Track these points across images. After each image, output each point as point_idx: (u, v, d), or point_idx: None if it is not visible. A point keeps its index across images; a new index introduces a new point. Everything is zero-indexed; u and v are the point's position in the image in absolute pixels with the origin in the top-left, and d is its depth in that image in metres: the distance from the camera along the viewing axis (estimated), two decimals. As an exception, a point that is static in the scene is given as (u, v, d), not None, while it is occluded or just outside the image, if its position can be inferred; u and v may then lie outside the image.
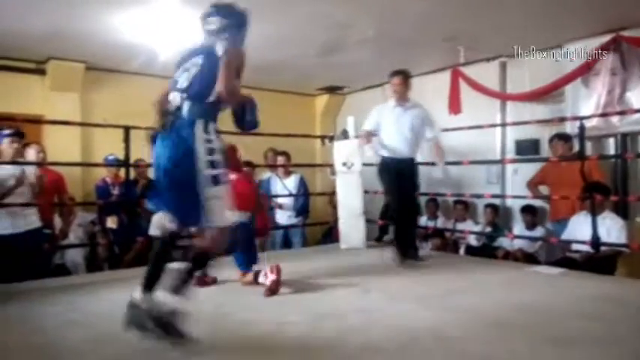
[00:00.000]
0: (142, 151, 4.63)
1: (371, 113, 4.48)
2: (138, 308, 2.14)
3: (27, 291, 3.20)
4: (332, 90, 8.17)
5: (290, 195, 5.53)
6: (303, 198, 5.70)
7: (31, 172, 3.91)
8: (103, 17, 4.62)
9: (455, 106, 6.30)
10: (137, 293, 2.17)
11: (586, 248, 4.10)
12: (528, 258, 4.89)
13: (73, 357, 2.11)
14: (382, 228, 6.38)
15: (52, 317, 2.62)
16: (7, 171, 3.75)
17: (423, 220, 6.25)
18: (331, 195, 6.11)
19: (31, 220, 3.86)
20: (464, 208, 5.99)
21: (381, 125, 4.35)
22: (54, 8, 4.39)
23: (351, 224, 4.88)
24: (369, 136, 4.37)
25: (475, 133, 5.49)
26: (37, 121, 5.70)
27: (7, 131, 3.87)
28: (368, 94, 7.99)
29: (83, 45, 5.44)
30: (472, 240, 5.63)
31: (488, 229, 5.61)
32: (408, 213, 4.33)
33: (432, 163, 4.84)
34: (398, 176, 4.24)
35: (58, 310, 2.75)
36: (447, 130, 5.43)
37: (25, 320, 2.60)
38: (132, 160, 4.56)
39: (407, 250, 4.14)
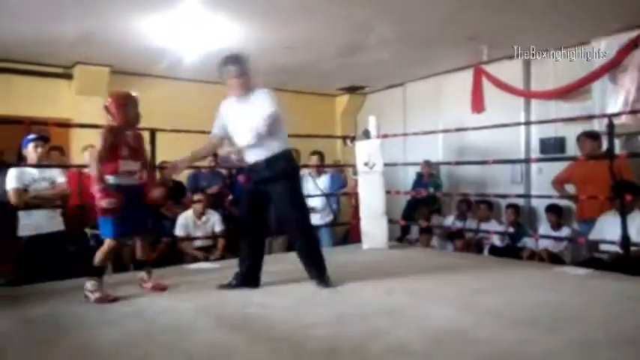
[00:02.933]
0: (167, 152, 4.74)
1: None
2: None
3: (56, 291, 3.27)
4: (353, 90, 8.17)
5: (323, 195, 5.55)
6: (336, 198, 5.77)
7: (59, 176, 4.02)
8: (128, 22, 4.72)
9: (478, 104, 6.24)
10: None
11: (614, 248, 4.00)
12: (554, 258, 4.81)
13: (105, 357, 2.15)
14: (404, 228, 6.36)
15: (83, 317, 2.68)
16: (32, 174, 3.84)
17: (450, 220, 6.20)
18: (352, 195, 6.11)
19: (57, 222, 3.96)
20: (487, 207, 5.92)
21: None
22: (80, 15, 4.51)
23: (374, 224, 4.87)
24: None
25: (499, 132, 5.41)
26: (65, 124, 5.85)
27: (31, 136, 3.98)
28: (389, 94, 7.97)
29: (108, 50, 5.56)
30: (496, 240, 5.56)
31: (511, 230, 5.53)
32: None
33: (457, 163, 4.74)
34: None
35: (88, 310, 2.81)
36: (470, 129, 5.38)
37: (56, 320, 2.65)
38: (157, 162, 4.63)
39: None
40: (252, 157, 3.27)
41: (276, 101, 3.20)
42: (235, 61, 3.20)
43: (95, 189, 2.86)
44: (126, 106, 3.08)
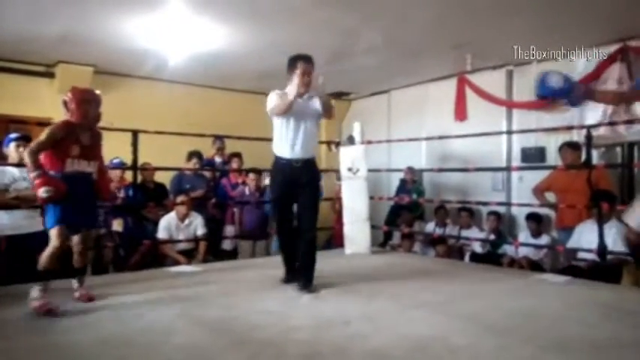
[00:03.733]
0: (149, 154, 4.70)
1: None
2: None
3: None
4: (338, 96, 8.20)
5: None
6: None
7: None
8: (112, 22, 4.68)
9: (461, 113, 6.31)
10: None
11: (592, 257, 4.09)
12: (533, 266, 4.88)
13: (76, 358, 2.12)
14: (387, 233, 6.39)
15: (61, 319, 2.63)
16: (13, 174, 3.78)
17: (430, 227, 6.26)
18: (335, 200, 6.12)
19: (36, 222, 3.89)
20: (469, 215, 5.99)
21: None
22: (63, 14, 4.45)
23: (357, 229, 4.89)
24: None
25: (481, 140, 5.50)
26: (47, 124, 5.74)
27: (13, 135, 3.91)
28: (374, 100, 8.03)
29: (92, 49, 5.50)
30: (477, 247, 5.62)
31: (492, 237, 5.60)
32: None
33: (440, 170, 4.78)
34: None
35: (65, 311, 2.76)
36: (453, 137, 5.44)
37: (33, 322, 2.61)
38: (139, 163, 4.59)
39: None
40: (301, 152, 3.36)
41: None
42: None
43: (31, 177, 2.70)
44: (86, 103, 2.90)
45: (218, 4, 4.27)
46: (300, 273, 3.32)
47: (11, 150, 3.86)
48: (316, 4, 4.31)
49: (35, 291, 2.71)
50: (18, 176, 3.79)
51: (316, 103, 3.45)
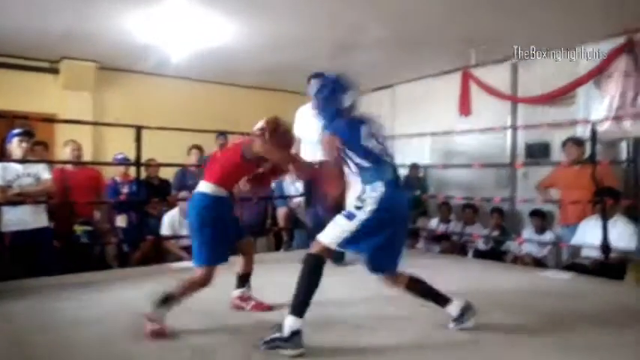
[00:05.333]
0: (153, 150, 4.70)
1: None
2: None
3: (39, 287, 3.23)
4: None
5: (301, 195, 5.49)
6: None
7: (44, 172, 3.97)
8: (115, 17, 4.68)
9: (465, 107, 6.28)
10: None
11: (596, 253, 4.06)
12: (537, 263, 4.86)
13: (81, 355, 2.13)
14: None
15: (63, 314, 2.65)
16: (17, 170, 3.79)
17: (434, 223, 6.24)
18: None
19: (41, 218, 3.91)
20: (473, 211, 5.97)
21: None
22: (67, 8, 4.46)
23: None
24: None
25: (485, 136, 5.47)
26: (51, 119, 5.78)
27: (16, 130, 3.92)
28: (377, 95, 7.98)
29: (95, 45, 5.51)
30: (480, 244, 5.60)
31: (495, 233, 5.58)
32: None
33: (444, 166, 4.75)
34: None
35: (69, 306, 2.78)
36: (457, 132, 5.42)
37: (36, 316, 2.63)
38: (145, 159, 4.61)
39: None
40: None
41: None
42: None
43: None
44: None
45: (221, -2, 4.26)
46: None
47: (14, 146, 3.87)
48: (321, -1, 4.29)
49: (157, 313, 2.36)
50: (22, 172, 3.81)
51: None
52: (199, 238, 2.48)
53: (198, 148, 5.72)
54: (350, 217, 2.28)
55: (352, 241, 2.26)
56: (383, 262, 2.38)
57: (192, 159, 5.60)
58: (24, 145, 3.87)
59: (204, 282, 2.43)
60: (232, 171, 2.56)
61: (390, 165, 2.42)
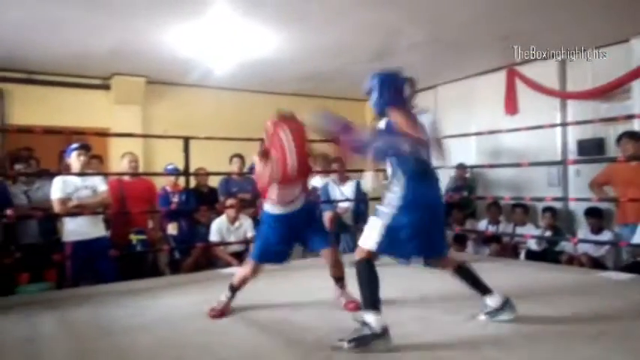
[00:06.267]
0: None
1: None
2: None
3: (98, 294, 3.38)
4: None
5: (347, 200, 5.49)
6: (362, 204, 5.63)
7: (101, 184, 4.15)
8: (161, 33, 4.85)
9: (511, 106, 6.12)
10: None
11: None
12: (594, 263, 4.65)
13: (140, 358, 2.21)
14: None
15: (120, 320, 2.76)
16: (75, 183, 3.98)
17: (483, 225, 6.09)
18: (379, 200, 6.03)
19: (99, 228, 4.09)
20: (523, 211, 5.78)
21: None
22: (116, 27, 4.66)
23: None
24: None
25: (534, 134, 5.28)
26: (104, 134, 6.06)
27: (74, 145, 4.10)
28: (420, 97, 7.86)
29: (143, 60, 5.74)
30: (532, 244, 5.42)
31: (548, 234, 5.38)
32: None
33: (491, 166, 4.62)
34: None
35: (127, 313, 2.90)
36: (503, 131, 5.27)
37: (96, 323, 2.75)
38: (193, 169, 4.74)
39: None
40: None
41: None
42: None
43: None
44: None
45: (264, 8, 4.33)
46: None
47: (73, 159, 4.05)
48: (361, 4, 4.29)
49: (223, 296, 2.86)
50: (80, 185, 4.00)
51: None
52: None
53: (240, 156, 5.84)
54: (381, 216, 2.36)
55: (389, 241, 2.32)
56: (424, 250, 2.43)
57: (235, 167, 5.72)
58: (82, 158, 4.04)
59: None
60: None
61: (414, 157, 2.39)
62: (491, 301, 2.57)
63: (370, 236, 2.36)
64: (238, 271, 2.98)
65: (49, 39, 4.93)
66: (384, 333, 2.19)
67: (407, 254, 2.43)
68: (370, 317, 2.22)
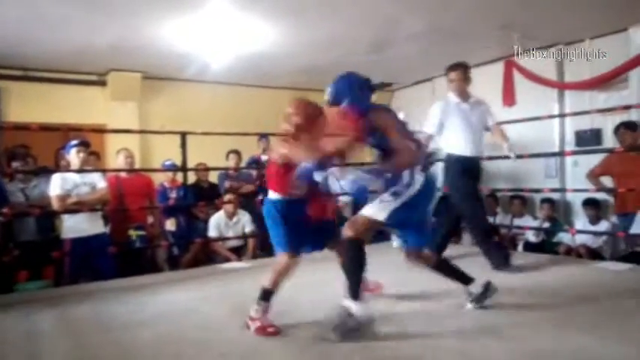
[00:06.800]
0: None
1: (431, 113, 3.95)
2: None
3: (98, 291, 3.39)
4: (380, 87, 8.12)
5: (347, 194, 5.48)
6: (362, 199, 5.64)
7: (100, 181, 4.14)
8: (157, 28, 4.82)
9: (509, 97, 6.10)
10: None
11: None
12: (592, 254, 4.67)
13: (136, 355, 2.21)
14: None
15: (120, 317, 2.77)
16: (74, 180, 3.97)
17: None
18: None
19: (98, 224, 4.09)
20: (521, 203, 5.79)
21: (446, 125, 3.90)
22: (112, 23, 4.63)
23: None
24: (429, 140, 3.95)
25: (531, 125, 5.27)
26: (101, 130, 6.03)
27: (73, 141, 4.09)
28: (417, 89, 7.88)
29: (140, 56, 5.71)
30: (530, 236, 5.43)
31: (546, 225, 5.39)
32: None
33: (489, 158, 4.64)
34: (472, 177, 3.92)
35: (127, 309, 2.90)
36: (501, 123, 5.25)
37: (96, 319, 2.76)
38: (191, 164, 4.73)
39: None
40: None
41: None
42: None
43: None
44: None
45: (261, 2, 4.30)
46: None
47: (72, 156, 4.04)
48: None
49: (257, 311, 2.44)
50: (79, 182, 3.99)
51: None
52: None
53: (236, 152, 5.84)
54: (388, 200, 2.41)
55: (400, 218, 2.41)
56: (416, 240, 2.57)
57: (231, 163, 5.72)
58: (81, 155, 4.02)
59: None
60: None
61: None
62: (474, 288, 2.64)
63: (383, 208, 2.39)
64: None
65: (45, 36, 4.90)
66: (369, 321, 2.26)
67: (406, 237, 2.57)
68: (355, 307, 2.26)
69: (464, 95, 3.92)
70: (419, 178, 2.43)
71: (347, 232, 2.41)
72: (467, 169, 3.86)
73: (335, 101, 2.57)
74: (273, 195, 2.57)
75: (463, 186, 3.87)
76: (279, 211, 2.49)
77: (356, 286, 2.30)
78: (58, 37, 4.95)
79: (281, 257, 2.50)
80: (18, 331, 2.56)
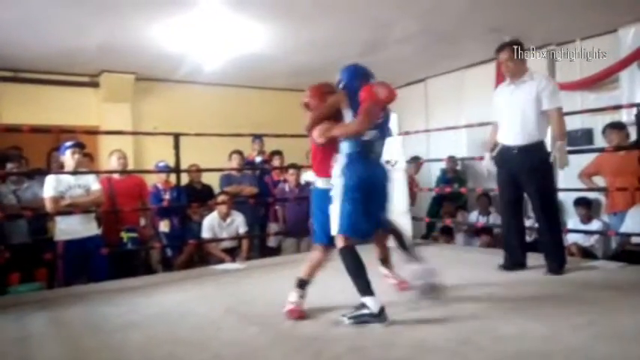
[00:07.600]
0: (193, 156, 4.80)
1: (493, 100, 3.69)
2: None
3: (91, 293, 3.38)
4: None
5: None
6: None
7: (94, 183, 4.12)
8: (149, 29, 4.82)
9: (501, 98, 6.12)
10: None
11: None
12: (584, 252, 4.70)
13: (129, 356, 2.21)
14: (429, 225, 6.31)
15: (113, 319, 2.76)
16: (68, 181, 3.95)
17: (474, 216, 6.13)
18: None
19: (91, 226, 4.07)
20: (514, 202, 5.82)
21: (496, 110, 3.65)
22: (103, 24, 4.63)
23: (397, 221, 4.84)
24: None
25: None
26: (94, 132, 6.01)
27: (68, 143, 4.06)
28: (410, 90, 7.90)
29: (132, 57, 5.69)
30: (523, 235, 5.45)
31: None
32: (543, 212, 3.48)
33: (482, 158, 4.64)
34: (511, 168, 3.49)
35: (119, 311, 2.89)
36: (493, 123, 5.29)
37: (89, 321, 2.74)
38: (185, 165, 4.72)
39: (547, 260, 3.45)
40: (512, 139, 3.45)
41: None
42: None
43: None
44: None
45: (253, 2, 4.31)
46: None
47: (67, 157, 4.02)
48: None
49: (294, 296, 2.66)
50: (73, 183, 3.96)
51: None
52: None
53: (239, 152, 5.83)
54: (333, 201, 2.57)
55: (348, 222, 2.52)
56: (360, 228, 2.58)
57: (234, 164, 5.71)
58: (76, 156, 3.99)
59: None
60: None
61: (357, 139, 2.57)
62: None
63: (333, 222, 2.56)
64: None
65: (37, 37, 4.88)
66: (380, 313, 2.40)
67: (360, 233, 2.61)
68: (368, 300, 2.41)
69: (516, 76, 3.45)
70: (351, 167, 2.54)
71: (337, 243, 2.58)
72: (505, 161, 3.49)
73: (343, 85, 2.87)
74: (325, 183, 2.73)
75: (498, 183, 3.61)
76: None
77: (364, 284, 2.45)
78: (48, 38, 4.93)
79: (315, 251, 2.76)
80: (10, 334, 2.55)
